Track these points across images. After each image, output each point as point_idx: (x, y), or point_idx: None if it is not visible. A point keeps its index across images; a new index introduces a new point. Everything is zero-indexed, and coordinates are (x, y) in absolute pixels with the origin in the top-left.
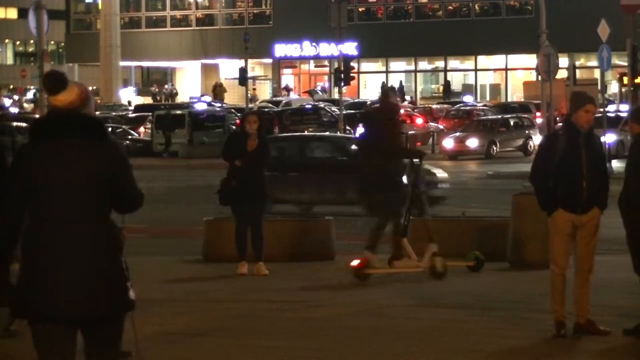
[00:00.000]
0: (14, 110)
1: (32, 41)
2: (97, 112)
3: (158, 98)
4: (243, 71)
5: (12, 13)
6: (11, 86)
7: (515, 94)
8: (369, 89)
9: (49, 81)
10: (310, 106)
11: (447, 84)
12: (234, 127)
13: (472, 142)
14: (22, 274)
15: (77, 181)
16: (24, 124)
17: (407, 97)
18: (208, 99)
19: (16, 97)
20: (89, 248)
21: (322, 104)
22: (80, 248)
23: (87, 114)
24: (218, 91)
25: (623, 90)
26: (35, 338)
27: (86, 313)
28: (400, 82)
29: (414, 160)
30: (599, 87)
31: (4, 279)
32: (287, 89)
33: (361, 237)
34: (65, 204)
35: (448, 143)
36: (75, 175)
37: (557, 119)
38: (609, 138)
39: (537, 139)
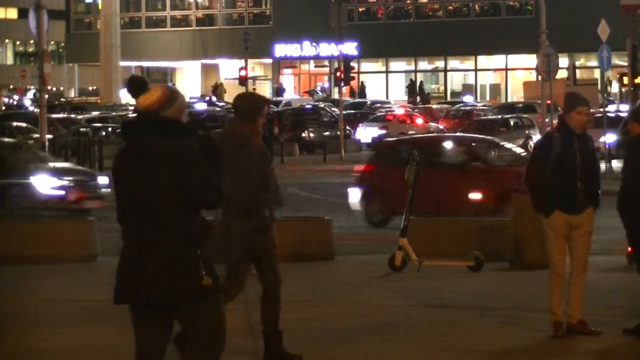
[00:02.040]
0: (33, 109)
1: (32, 41)
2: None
3: None
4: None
5: (12, 13)
6: (11, 86)
7: (515, 94)
8: (370, 89)
9: (130, 85)
10: (310, 106)
11: (411, 85)
12: None
13: None
14: (118, 263)
15: (152, 179)
16: (24, 124)
17: (406, 98)
18: (212, 98)
19: (16, 97)
20: (167, 240)
21: (322, 104)
22: (159, 240)
23: (165, 115)
24: (219, 91)
25: (623, 90)
26: (132, 324)
27: (155, 298)
28: (421, 82)
29: (414, 160)
30: (600, 87)
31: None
32: (280, 89)
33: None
34: (144, 200)
35: None
36: (151, 173)
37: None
38: (609, 138)
39: (537, 139)
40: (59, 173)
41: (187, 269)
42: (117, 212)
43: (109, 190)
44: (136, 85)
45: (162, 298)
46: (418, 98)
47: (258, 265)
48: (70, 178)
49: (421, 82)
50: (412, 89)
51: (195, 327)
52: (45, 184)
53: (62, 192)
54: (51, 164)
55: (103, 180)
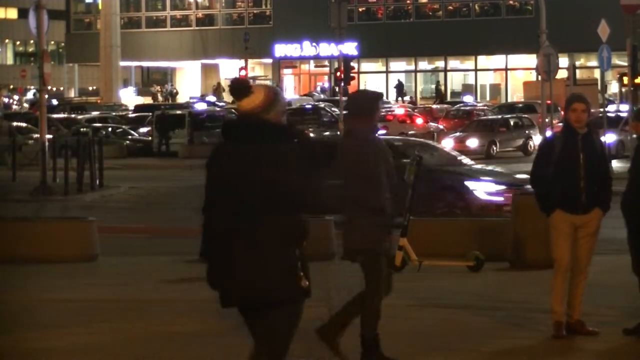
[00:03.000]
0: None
1: (32, 41)
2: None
3: (160, 98)
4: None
5: (12, 13)
6: (11, 86)
7: (515, 94)
8: (369, 88)
9: (232, 89)
10: (310, 106)
11: (400, 85)
12: None
13: (472, 142)
14: (210, 264)
15: (248, 180)
16: (24, 124)
17: (407, 97)
18: (212, 98)
19: (16, 97)
20: (265, 241)
21: (322, 104)
22: (256, 241)
23: (266, 118)
24: (218, 91)
25: (623, 90)
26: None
27: (244, 299)
28: (399, 80)
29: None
30: (600, 87)
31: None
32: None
33: None
34: (240, 200)
35: (448, 143)
36: (248, 174)
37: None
38: (609, 138)
39: (537, 139)
40: (492, 177)
41: (286, 270)
42: (204, 204)
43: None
44: (239, 87)
45: (260, 299)
46: (403, 99)
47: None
48: (505, 182)
49: (399, 80)
50: (400, 89)
51: (273, 327)
52: (483, 188)
53: (500, 198)
54: (476, 167)
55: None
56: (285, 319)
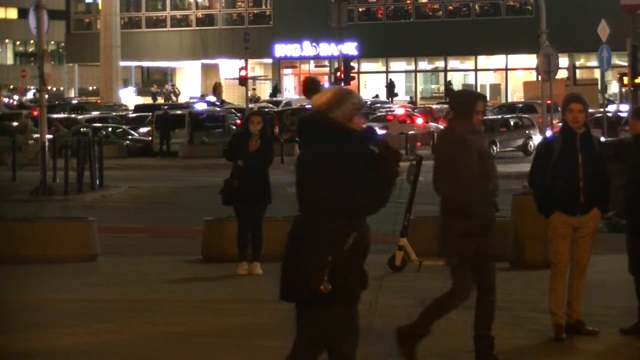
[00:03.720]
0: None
1: (32, 41)
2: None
3: (164, 98)
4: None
5: (12, 13)
6: (11, 86)
7: (515, 94)
8: (369, 88)
9: (305, 86)
10: (310, 106)
11: (391, 84)
12: (234, 127)
13: None
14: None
15: (310, 177)
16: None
17: (406, 98)
18: (212, 98)
19: (16, 97)
20: (312, 241)
21: None
22: (305, 236)
23: (332, 117)
24: (218, 91)
25: (623, 90)
26: None
27: (288, 296)
28: (390, 79)
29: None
30: (600, 87)
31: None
32: (275, 89)
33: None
34: (303, 197)
35: None
36: (310, 172)
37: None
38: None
39: (537, 139)
40: None
41: (310, 272)
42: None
43: None
44: (310, 86)
45: (293, 294)
46: (393, 99)
47: (474, 267)
48: None
49: (390, 80)
50: (391, 89)
51: (314, 329)
52: None
53: None
54: None
55: None
56: (319, 320)
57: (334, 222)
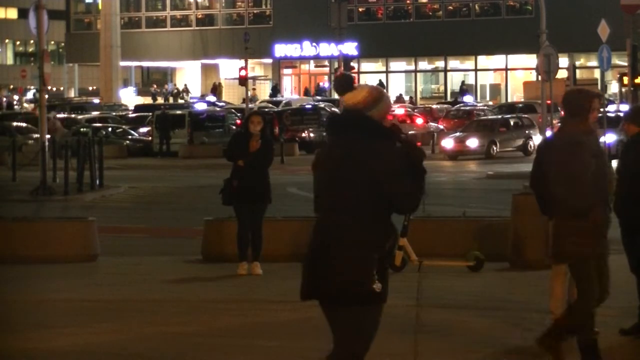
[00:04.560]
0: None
1: (32, 41)
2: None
3: (166, 98)
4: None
5: (12, 13)
6: (11, 86)
7: (515, 94)
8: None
9: (336, 83)
10: (310, 106)
11: (380, 85)
12: (234, 127)
13: (472, 142)
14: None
15: (341, 175)
16: (24, 124)
17: (406, 98)
18: (212, 98)
19: (16, 97)
20: (350, 238)
21: (322, 104)
22: (343, 237)
23: (366, 115)
24: (218, 91)
25: (623, 90)
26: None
27: (318, 294)
28: (380, 80)
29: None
30: (600, 87)
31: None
32: (274, 89)
33: None
34: (332, 195)
35: (448, 143)
36: (342, 169)
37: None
38: (609, 138)
39: (537, 139)
40: None
41: (360, 271)
42: (314, 203)
43: None
44: (343, 83)
45: (331, 293)
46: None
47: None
48: None
49: (380, 81)
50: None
51: (347, 328)
52: None
53: None
54: None
55: None
56: (353, 320)
57: (378, 222)
